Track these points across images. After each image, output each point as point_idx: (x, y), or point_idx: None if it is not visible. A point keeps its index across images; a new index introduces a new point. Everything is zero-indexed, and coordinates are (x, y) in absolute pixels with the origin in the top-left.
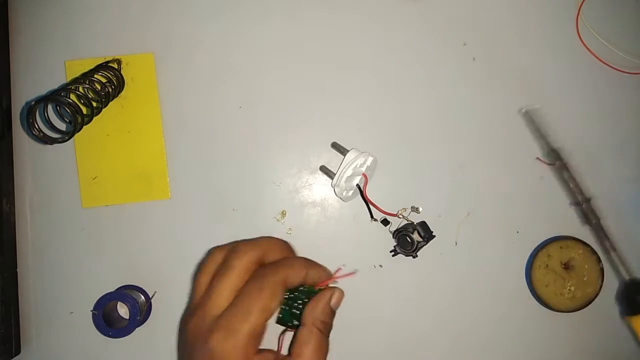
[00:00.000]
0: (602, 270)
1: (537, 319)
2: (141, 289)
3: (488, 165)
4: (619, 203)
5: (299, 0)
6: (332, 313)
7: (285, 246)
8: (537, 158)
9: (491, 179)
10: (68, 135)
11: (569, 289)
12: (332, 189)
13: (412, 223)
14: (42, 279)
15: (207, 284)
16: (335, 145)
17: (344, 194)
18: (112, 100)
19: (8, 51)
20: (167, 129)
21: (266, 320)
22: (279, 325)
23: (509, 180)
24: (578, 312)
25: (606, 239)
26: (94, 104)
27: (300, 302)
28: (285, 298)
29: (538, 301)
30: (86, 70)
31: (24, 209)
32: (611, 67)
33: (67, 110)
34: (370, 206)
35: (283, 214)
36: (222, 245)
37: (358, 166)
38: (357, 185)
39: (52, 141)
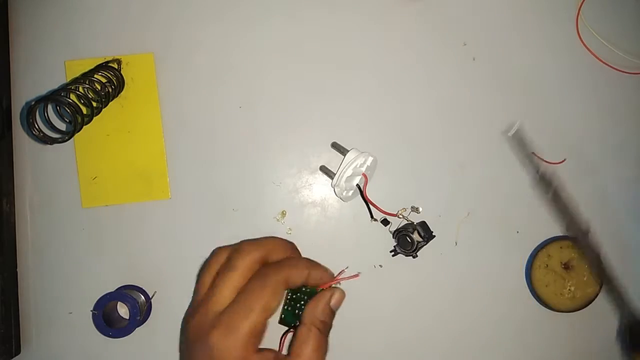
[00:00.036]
0: (602, 270)
1: (537, 319)
2: (141, 289)
3: (488, 165)
4: (619, 203)
5: (299, 0)
6: (332, 313)
7: (290, 246)
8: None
9: (491, 179)
10: (68, 135)
11: (569, 289)
12: (332, 189)
13: (412, 223)
14: (42, 279)
15: (210, 283)
16: (335, 145)
17: (344, 194)
18: (112, 100)
19: (8, 51)
20: (167, 129)
21: (267, 318)
22: (281, 326)
23: (509, 180)
24: (578, 312)
25: (613, 279)
26: (94, 104)
27: (303, 302)
28: (288, 299)
29: (538, 301)
30: (86, 70)
31: (24, 209)
32: (611, 67)
33: (67, 110)
34: (370, 206)
35: (283, 214)
36: (226, 246)
37: (358, 166)
38: (357, 185)
39: (52, 141)
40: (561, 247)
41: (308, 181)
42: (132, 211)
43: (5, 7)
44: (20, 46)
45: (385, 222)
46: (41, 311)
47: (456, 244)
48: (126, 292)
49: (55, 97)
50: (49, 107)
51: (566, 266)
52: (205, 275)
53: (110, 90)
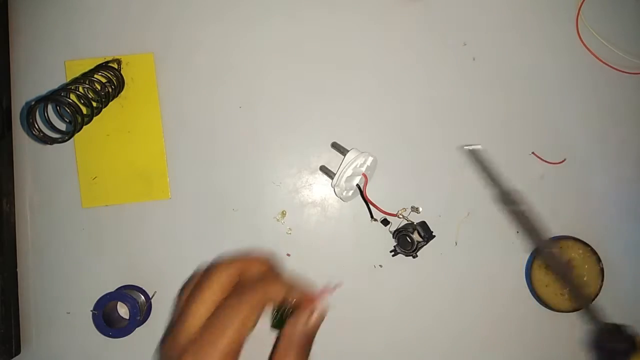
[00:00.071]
0: (601, 270)
1: (537, 319)
2: (141, 289)
3: (488, 165)
4: (619, 203)
5: (299, 0)
6: (312, 331)
7: (268, 261)
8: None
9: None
10: (68, 135)
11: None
12: (332, 189)
13: (412, 223)
14: (42, 279)
15: (184, 304)
16: (335, 145)
17: (344, 194)
18: (112, 100)
19: (8, 51)
20: (167, 129)
21: (243, 337)
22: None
23: (509, 180)
24: (578, 312)
25: (579, 287)
26: (94, 104)
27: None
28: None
29: (538, 301)
30: (86, 70)
31: (24, 209)
32: (611, 67)
33: (67, 110)
34: (370, 206)
35: (283, 214)
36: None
37: (358, 166)
38: (357, 185)
39: (52, 141)
40: (561, 247)
41: (308, 181)
42: (132, 211)
43: (5, 7)
44: (20, 46)
45: (385, 222)
46: (41, 311)
47: (456, 244)
48: (126, 292)
49: (55, 97)
50: (49, 107)
51: None
52: (183, 295)
53: (110, 90)
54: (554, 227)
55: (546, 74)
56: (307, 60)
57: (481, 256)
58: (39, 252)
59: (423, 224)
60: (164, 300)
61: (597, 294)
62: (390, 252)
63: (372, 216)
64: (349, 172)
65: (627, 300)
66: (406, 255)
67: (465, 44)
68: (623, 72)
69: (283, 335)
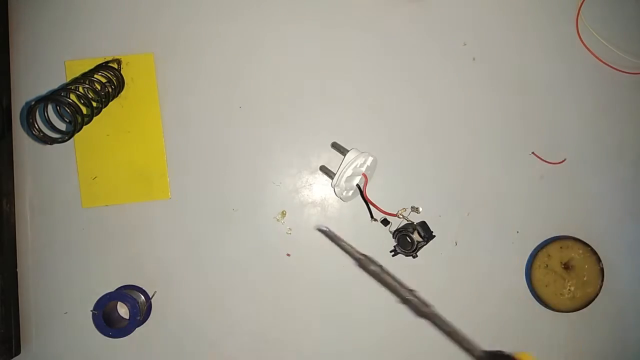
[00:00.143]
0: (601, 270)
1: (537, 319)
2: (141, 289)
3: (488, 165)
4: (618, 203)
5: (299, 1)
6: None
7: None
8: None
9: (491, 179)
10: (68, 135)
11: (569, 289)
12: (332, 189)
13: (412, 223)
14: (42, 279)
15: None
16: (335, 145)
17: (344, 194)
18: (112, 100)
19: (8, 51)
20: (167, 129)
21: None
22: None
23: (508, 180)
24: (578, 312)
25: (444, 324)
26: (94, 104)
27: None
28: None
29: (538, 301)
30: (86, 70)
31: (24, 209)
32: (611, 67)
33: (67, 110)
34: (370, 206)
35: (283, 214)
36: None
37: (358, 166)
38: (357, 185)
39: (52, 141)
40: (561, 247)
41: (308, 181)
42: (132, 211)
43: (5, 7)
44: (20, 46)
45: (385, 222)
46: (41, 311)
47: (456, 244)
48: (126, 292)
49: (55, 97)
50: (49, 107)
51: (566, 266)
52: None
53: (110, 90)
54: (554, 227)
55: (546, 74)
56: (307, 60)
57: (481, 256)
58: (39, 252)
59: (423, 224)
60: (164, 300)
61: (597, 294)
62: (390, 252)
63: (372, 216)
64: (349, 172)
65: (627, 300)
66: (406, 255)
67: (465, 44)
68: (623, 72)
69: None
